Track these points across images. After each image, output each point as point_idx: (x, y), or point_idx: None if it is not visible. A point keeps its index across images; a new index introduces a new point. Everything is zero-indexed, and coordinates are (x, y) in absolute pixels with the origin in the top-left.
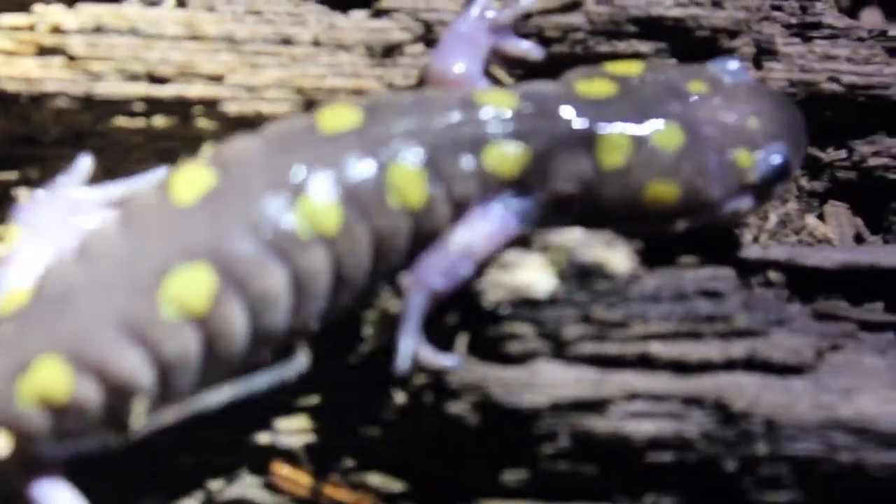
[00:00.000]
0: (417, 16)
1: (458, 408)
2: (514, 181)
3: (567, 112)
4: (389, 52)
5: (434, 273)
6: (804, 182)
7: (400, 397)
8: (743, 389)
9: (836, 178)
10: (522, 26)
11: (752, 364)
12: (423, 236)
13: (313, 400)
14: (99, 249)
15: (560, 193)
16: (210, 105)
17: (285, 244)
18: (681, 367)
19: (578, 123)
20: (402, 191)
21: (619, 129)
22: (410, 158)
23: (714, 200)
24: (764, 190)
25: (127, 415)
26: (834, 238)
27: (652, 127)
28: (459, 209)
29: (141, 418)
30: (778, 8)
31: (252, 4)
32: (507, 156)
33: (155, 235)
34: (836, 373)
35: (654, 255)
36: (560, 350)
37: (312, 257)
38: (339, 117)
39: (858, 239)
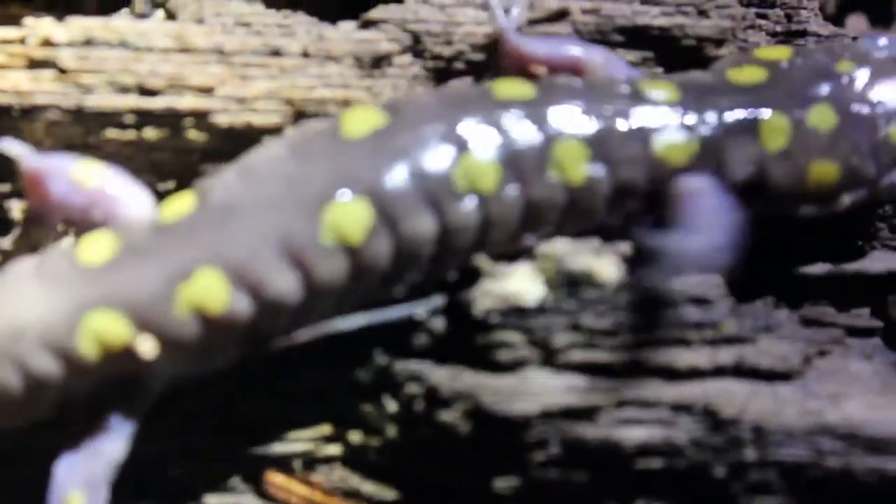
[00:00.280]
0: (405, 27)
1: (449, 416)
2: (684, 169)
3: (728, 100)
4: (378, 63)
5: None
6: None
7: (392, 406)
8: (731, 396)
9: None
10: None
11: (740, 371)
12: (578, 213)
13: (306, 409)
14: (266, 168)
15: (732, 180)
16: (200, 117)
17: (440, 193)
18: (670, 374)
19: (741, 111)
20: (563, 165)
21: (778, 113)
22: (576, 136)
23: (871, 177)
24: None
25: (268, 332)
26: None
27: (807, 109)
28: (622, 194)
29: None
30: (763, 16)
31: (241, 16)
32: (676, 144)
33: (322, 162)
34: (824, 379)
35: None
36: (550, 358)
37: (463, 211)
38: (513, 88)
39: None
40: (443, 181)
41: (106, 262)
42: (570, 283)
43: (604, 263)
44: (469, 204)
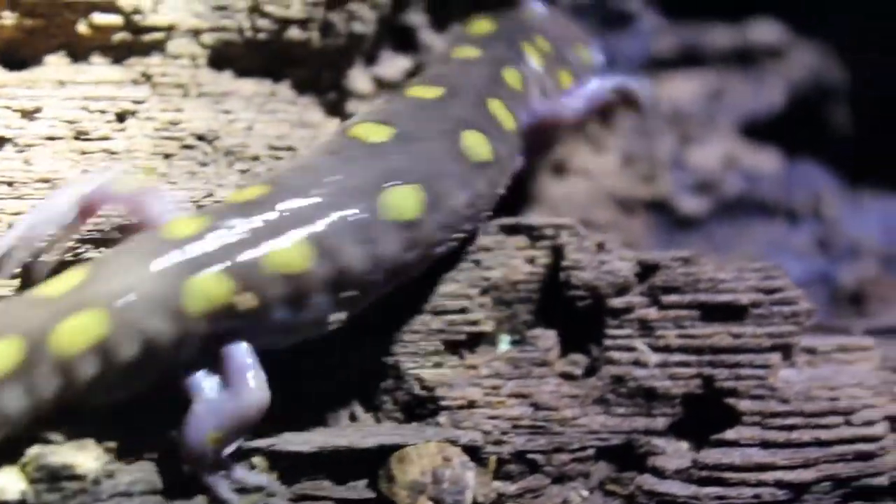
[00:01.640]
0: None
1: None
2: None
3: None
4: None
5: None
6: None
7: None
8: None
9: None
10: None
11: None
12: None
13: None
14: (320, 166)
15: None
16: None
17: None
18: None
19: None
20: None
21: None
22: None
23: (582, 83)
24: (599, 73)
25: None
26: None
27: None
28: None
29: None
30: None
31: None
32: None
33: (364, 160)
34: None
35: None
36: None
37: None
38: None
39: (352, 418)
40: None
41: (199, 233)
42: (50, 478)
43: (84, 456)
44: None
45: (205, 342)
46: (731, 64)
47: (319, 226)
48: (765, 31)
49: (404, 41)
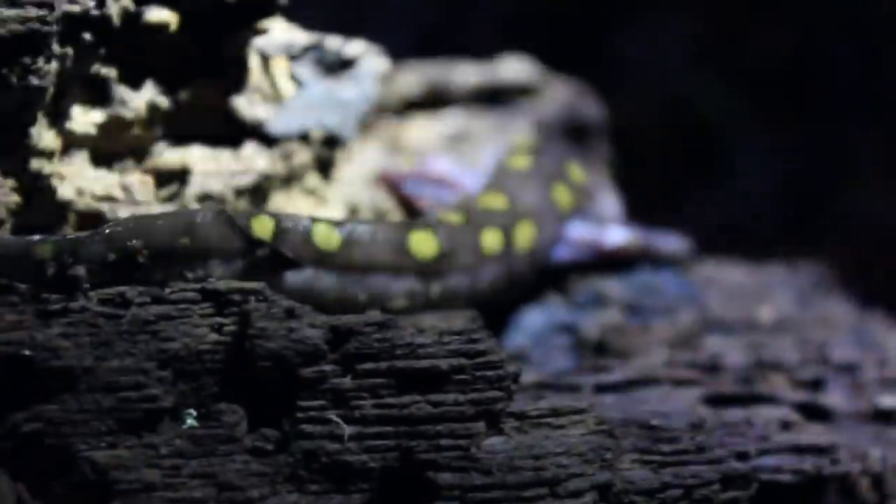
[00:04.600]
0: None
1: None
2: None
3: None
4: None
5: None
6: None
7: None
8: None
9: None
10: None
11: None
12: None
13: None
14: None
15: None
16: None
17: None
18: None
19: None
20: None
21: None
22: None
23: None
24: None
25: None
26: None
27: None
28: None
29: None
30: None
31: None
32: None
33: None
34: None
35: None
36: None
37: None
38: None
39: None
40: None
41: None
42: None
43: None
44: None
45: None
46: (479, 102)
47: None
48: (514, 69)
49: (96, 94)
